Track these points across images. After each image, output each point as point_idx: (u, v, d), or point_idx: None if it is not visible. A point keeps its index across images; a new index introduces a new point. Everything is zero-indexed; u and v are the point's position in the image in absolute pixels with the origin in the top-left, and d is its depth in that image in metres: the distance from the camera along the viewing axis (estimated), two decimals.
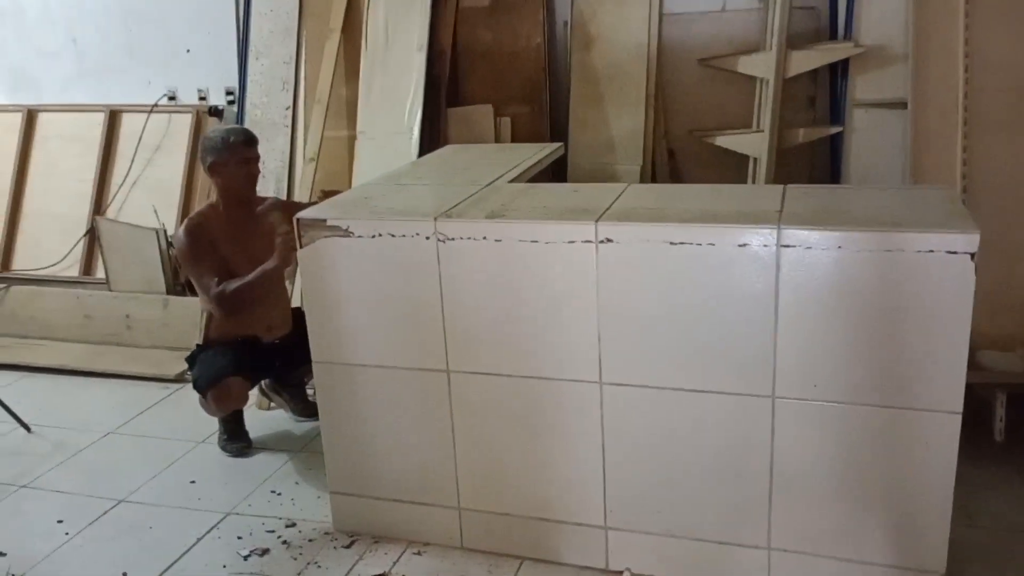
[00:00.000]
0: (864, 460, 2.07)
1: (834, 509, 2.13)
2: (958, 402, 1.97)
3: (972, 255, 1.87)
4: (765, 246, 2.01)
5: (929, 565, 2.09)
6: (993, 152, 3.06)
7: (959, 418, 1.97)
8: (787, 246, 2.00)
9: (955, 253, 1.88)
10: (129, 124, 4.62)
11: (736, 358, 2.11)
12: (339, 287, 2.41)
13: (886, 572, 2.13)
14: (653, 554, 2.32)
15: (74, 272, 4.52)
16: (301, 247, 2.43)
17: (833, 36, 3.57)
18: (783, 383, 2.08)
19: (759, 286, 2.04)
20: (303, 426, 3.32)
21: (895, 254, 1.92)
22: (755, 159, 3.57)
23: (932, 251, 1.89)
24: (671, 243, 2.09)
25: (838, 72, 3.55)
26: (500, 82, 3.95)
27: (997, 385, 2.78)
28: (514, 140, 3.87)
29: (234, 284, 2.90)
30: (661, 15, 3.73)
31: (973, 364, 2.88)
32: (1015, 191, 3.03)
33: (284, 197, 3.97)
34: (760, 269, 2.03)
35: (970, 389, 2.83)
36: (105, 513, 2.82)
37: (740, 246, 2.04)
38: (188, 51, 4.56)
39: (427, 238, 2.29)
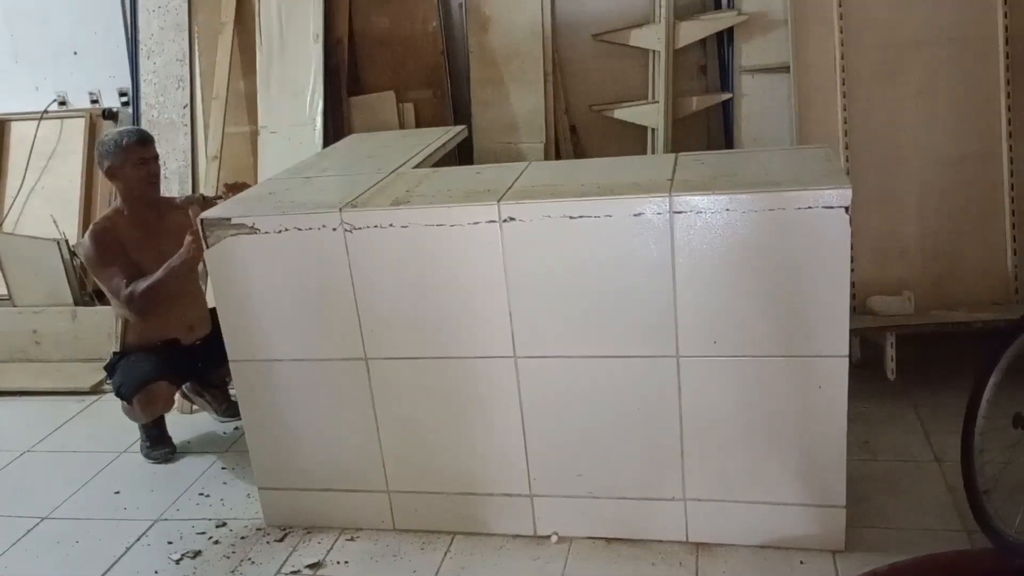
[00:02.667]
0: (765, 408, 2.20)
1: (741, 456, 2.26)
2: (844, 346, 2.11)
3: (846, 208, 2.00)
4: (658, 214, 2.11)
5: (831, 499, 2.24)
6: (872, 107, 3.24)
7: (846, 361, 2.12)
8: (679, 212, 2.10)
9: (831, 208, 2.01)
10: (19, 132, 4.48)
11: (640, 322, 2.21)
12: (250, 284, 2.42)
13: (792, 510, 2.27)
14: (578, 516, 2.42)
15: None
16: (208, 247, 2.42)
17: (718, 6, 3.70)
18: (686, 342, 2.19)
19: (656, 252, 2.14)
20: (227, 426, 3.31)
21: (777, 212, 2.04)
22: (652, 129, 3.69)
23: (810, 207, 2.02)
24: (570, 217, 2.17)
25: (725, 40, 3.68)
26: (400, 68, 3.97)
27: (887, 328, 2.96)
28: (418, 125, 3.90)
29: (143, 283, 2.87)
30: None
31: (865, 310, 3.10)
32: (894, 142, 3.22)
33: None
34: (656, 236, 2.13)
35: (863, 333, 3.04)
36: (28, 532, 2.77)
37: (635, 215, 2.13)
38: (75, 53, 4.42)
39: (334, 229, 2.31)
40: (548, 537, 2.45)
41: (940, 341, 3.12)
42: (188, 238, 2.80)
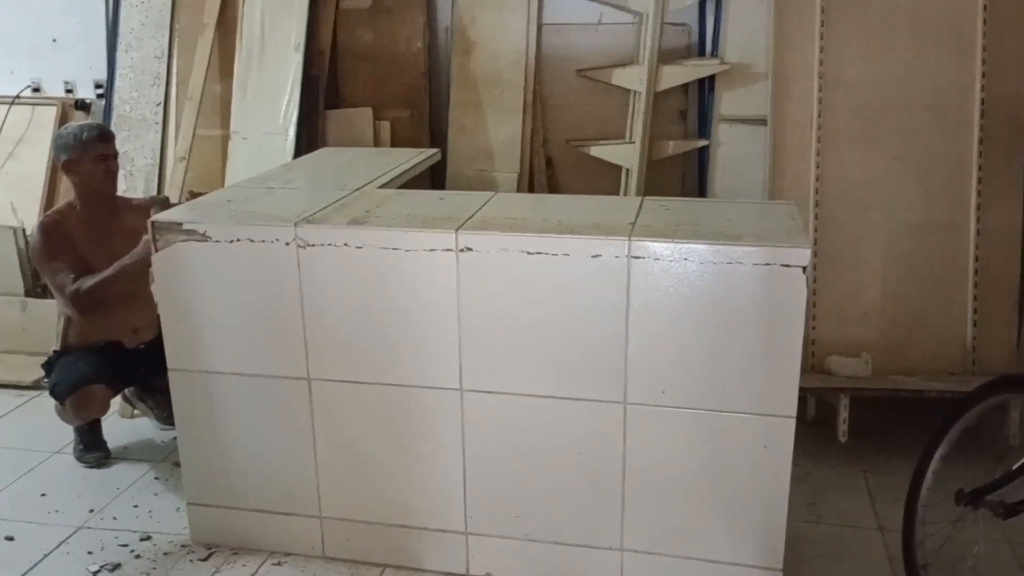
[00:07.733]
0: (708, 463, 2.16)
1: (682, 510, 2.21)
2: (792, 407, 2.07)
3: (804, 268, 1.98)
4: (616, 257, 2.08)
5: (768, 561, 2.19)
6: (845, 167, 3.24)
7: (793, 422, 2.08)
8: (637, 257, 2.07)
9: (788, 266, 1.98)
10: None
11: (590, 365, 2.16)
12: (196, 292, 2.35)
13: (730, 569, 2.22)
14: (512, 558, 2.36)
15: None
16: (156, 251, 2.36)
17: (702, 53, 3.71)
18: (634, 389, 2.15)
19: (611, 296, 2.10)
20: (167, 435, 3.21)
21: (735, 266, 2.02)
22: (627, 170, 3.67)
23: (768, 264, 1.99)
24: (528, 253, 2.13)
25: (706, 88, 3.69)
26: (381, 85, 3.93)
27: (842, 389, 2.93)
28: (394, 145, 3.85)
29: (91, 280, 2.79)
30: (540, 25, 3.78)
31: (821, 369, 3.07)
32: (864, 204, 3.22)
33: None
34: (612, 279, 2.09)
35: (818, 393, 3.02)
36: None
37: (593, 257, 2.09)
38: (54, 40, 4.35)
39: (287, 243, 2.26)
40: None
41: (895, 406, 3.10)
42: (145, 237, 2.72)
